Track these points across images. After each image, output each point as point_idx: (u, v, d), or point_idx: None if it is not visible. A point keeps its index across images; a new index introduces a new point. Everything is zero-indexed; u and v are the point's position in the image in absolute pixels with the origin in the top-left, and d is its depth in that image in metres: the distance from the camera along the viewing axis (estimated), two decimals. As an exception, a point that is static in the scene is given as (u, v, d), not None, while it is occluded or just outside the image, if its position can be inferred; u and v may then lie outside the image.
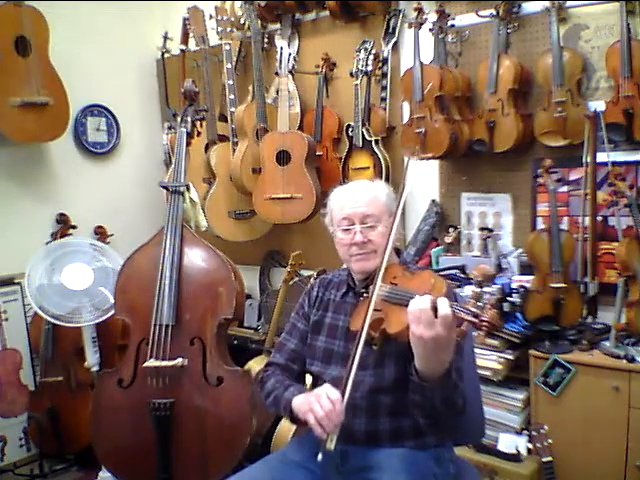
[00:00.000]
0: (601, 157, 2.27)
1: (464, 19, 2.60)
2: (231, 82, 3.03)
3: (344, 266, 1.72)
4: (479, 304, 1.26)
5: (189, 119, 2.51)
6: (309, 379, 1.72)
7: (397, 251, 1.69)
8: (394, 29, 2.77)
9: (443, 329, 1.24)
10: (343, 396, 1.38)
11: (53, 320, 2.59)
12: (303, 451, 1.60)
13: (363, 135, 2.75)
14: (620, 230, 2.30)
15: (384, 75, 2.81)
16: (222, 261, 2.31)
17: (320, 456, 1.37)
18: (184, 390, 2.18)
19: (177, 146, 2.47)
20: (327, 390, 1.39)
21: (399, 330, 1.37)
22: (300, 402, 1.47)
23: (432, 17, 2.57)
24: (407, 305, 1.31)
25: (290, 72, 2.96)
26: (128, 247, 2.50)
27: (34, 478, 2.86)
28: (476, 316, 1.22)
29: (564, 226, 2.42)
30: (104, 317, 2.63)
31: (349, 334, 1.56)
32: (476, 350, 2.07)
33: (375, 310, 1.43)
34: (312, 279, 2.73)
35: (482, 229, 2.68)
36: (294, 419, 1.52)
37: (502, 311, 2.34)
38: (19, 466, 2.97)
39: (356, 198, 1.61)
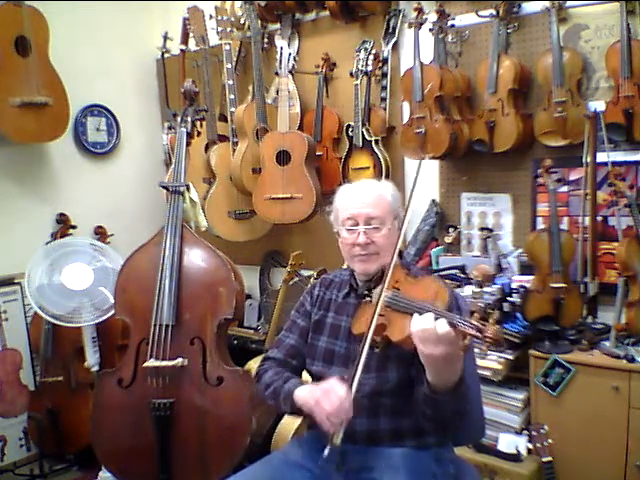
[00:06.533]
0: (601, 157, 2.27)
1: (464, 19, 2.60)
2: (231, 82, 3.03)
3: (344, 266, 1.72)
4: (482, 319, 1.25)
5: (189, 119, 2.51)
6: (308, 379, 1.72)
7: (399, 253, 1.68)
8: (394, 29, 2.77)
9: (449, 346, 1.24)
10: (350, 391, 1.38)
11: (53, 320, 2.59)
12: (303, 451, 1.61)
13: (363, 135, 2.75)
14: (620, 230, 2.30)
15: (384, 75, 2.80)
16: (222, 261, 2.31)
17: (327, 451, 1.37)
18: (184, 390, 2.18)
19: (177, 146, 2.47)
20: (335, 385, 1.39)
21: (401, 338, 1.36)
22: (305, 395, 1.46)
23: (432, 17, 2.57)
24: (410, 314, 1.31)
25: (290, 72, 2.96)
26: (128, 247, 2.49)
27: (34, 478, 2.86)
28: (480, 330, 1.22)
29: (564, 226, 2.42)
30: (104, 317, 2.63)
31: (351, 336, 1.55)
32: (476, 350, 2.07)
33: (378, 315, 1.41)
34: (312, 279, 2.73)
35: (482, 229, 2.68)
36: (295, 411, 1.51)
37: (502, 311, 2.34)
38: (19, 466, 2.97)
39: (362, 198, 1.60)
